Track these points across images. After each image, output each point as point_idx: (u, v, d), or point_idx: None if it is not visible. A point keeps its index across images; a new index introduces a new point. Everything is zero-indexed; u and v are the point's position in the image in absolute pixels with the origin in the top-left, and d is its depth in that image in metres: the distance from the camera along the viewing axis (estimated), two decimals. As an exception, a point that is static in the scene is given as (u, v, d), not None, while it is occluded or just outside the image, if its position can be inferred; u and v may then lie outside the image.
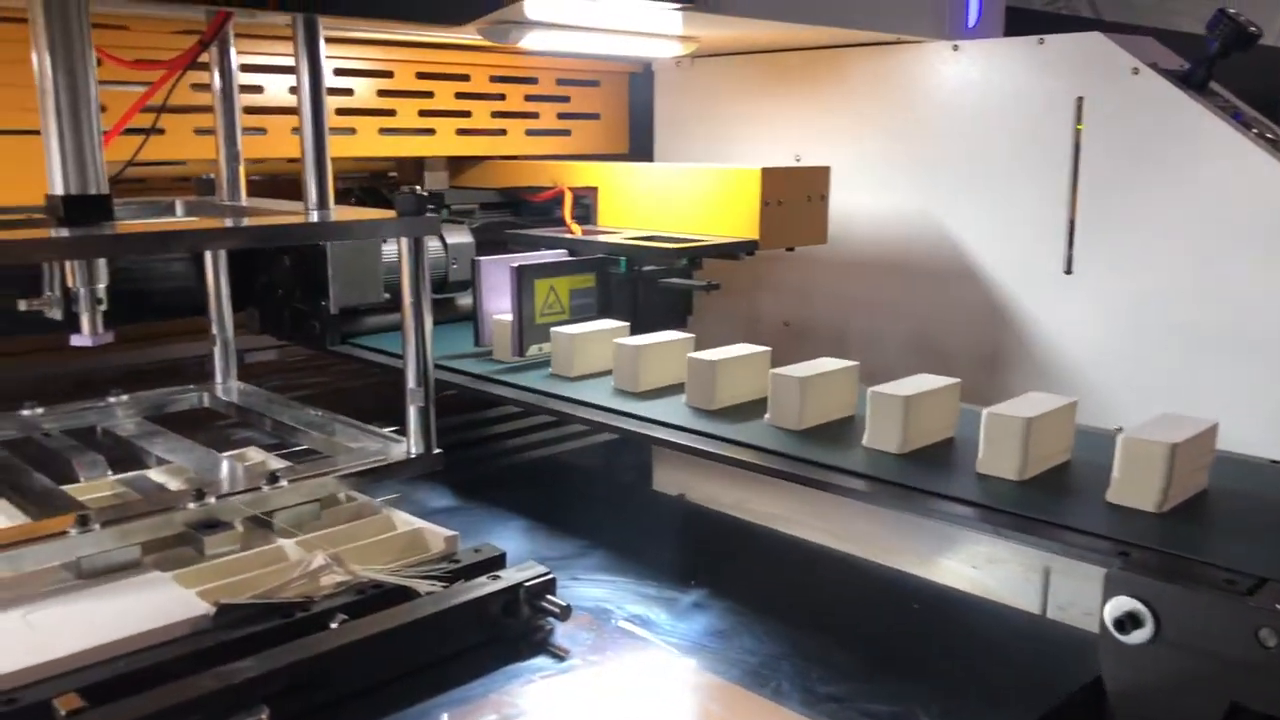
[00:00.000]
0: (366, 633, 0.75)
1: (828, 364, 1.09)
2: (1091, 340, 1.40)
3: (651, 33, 1.38)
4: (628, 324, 1.30)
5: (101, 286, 0.94)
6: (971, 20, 1.54)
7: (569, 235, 1.48)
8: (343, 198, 1.79)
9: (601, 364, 1.23)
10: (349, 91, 1.55)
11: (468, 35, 1.37)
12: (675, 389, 1.15)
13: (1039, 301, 1.44)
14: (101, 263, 0.93)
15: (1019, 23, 1.57)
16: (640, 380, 1.17)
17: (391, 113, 1.59)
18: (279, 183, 1.58)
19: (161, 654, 0.72)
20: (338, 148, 1.56)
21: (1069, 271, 1.41)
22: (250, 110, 1.39)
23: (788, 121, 1.68)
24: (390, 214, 0.97)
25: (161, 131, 1.22)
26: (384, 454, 1.00)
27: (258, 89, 1.45)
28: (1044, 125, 1.41)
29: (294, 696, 0.71)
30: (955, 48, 1.49)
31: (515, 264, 1.28)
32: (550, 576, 0.86)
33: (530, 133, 1.77)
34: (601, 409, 1.11)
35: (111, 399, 1.20)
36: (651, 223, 1.52)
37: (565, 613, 0.85)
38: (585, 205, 1.61)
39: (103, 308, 0.94)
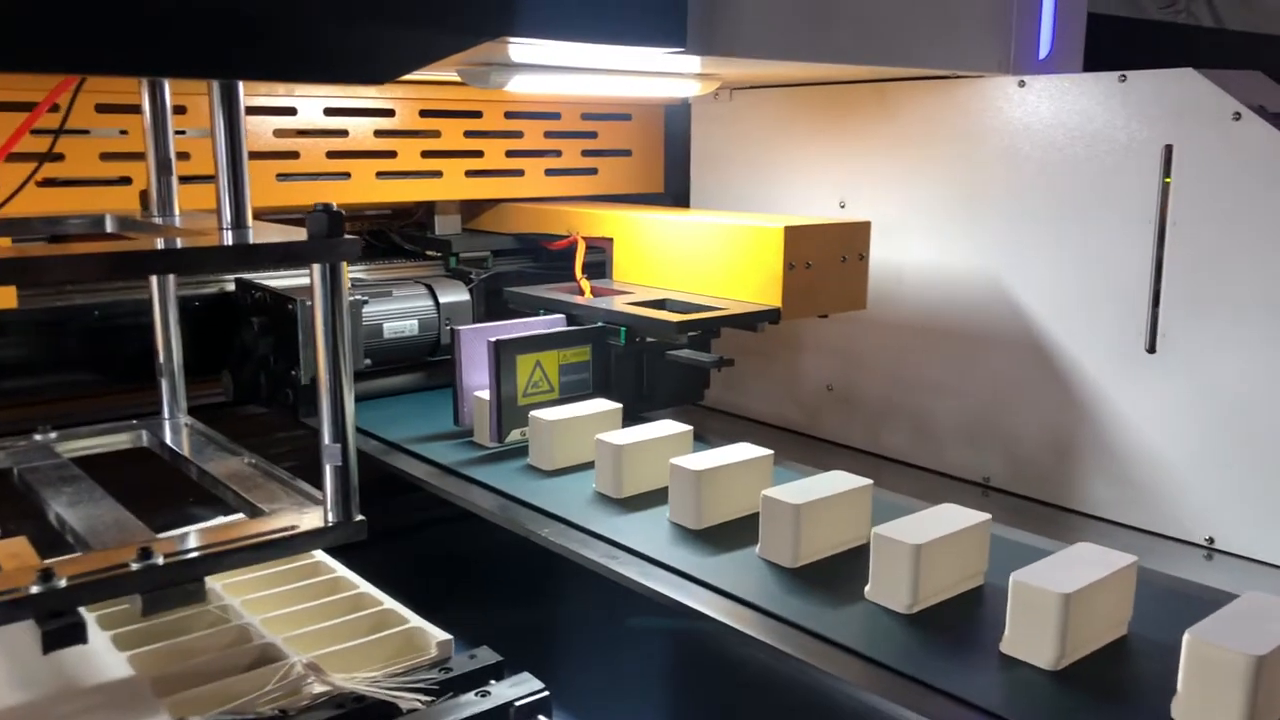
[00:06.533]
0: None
1: (837, 481, 0.91)
2: (1176, 432, 1.18)
3: (660, 72, 1.20)
4: (619, 406, 1.13)
5: None
6: (1043, 51, 1.33)
7: (574, 298, 1.31)
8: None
9: (587, 453, 1.07)
10: (343, 133, 1.41)
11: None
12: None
13: (1116, 384, 1.23)
14: None
15: (1123, 40, 1.34)
16: (624, 485, 1.01)
17: (392, 154, 1.45)
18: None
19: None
20: (330, 194, 1.45)
21: (1152, 350, 1.19)
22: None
23: (833, 163, 1.49)
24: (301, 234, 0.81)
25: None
26: (295, 524, 0.84)
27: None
28: (1125, 177, 1.19)
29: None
30: (1021, 84, 1.28)
31: (493, 338, 1.12)
32: (544, 694, 0.76)
33: (551, 172, 1.62)
34: (567, 524, 0.95)
35: (38, 437, 1.05)
36: (670, 280, 1.35)
37: None
38: (601, 257, 1.45)
39: None
